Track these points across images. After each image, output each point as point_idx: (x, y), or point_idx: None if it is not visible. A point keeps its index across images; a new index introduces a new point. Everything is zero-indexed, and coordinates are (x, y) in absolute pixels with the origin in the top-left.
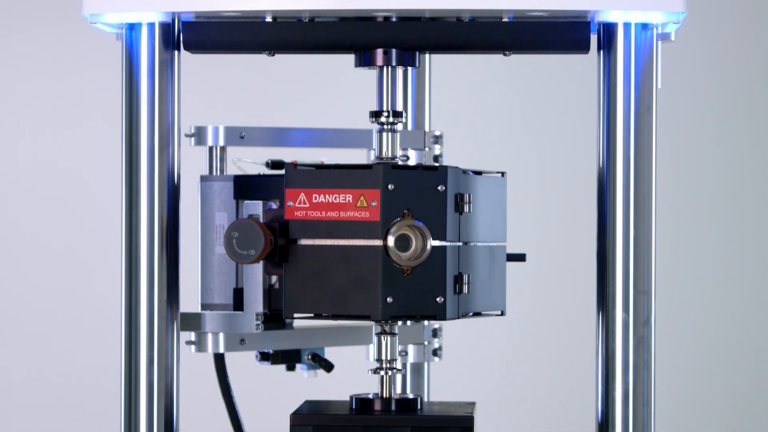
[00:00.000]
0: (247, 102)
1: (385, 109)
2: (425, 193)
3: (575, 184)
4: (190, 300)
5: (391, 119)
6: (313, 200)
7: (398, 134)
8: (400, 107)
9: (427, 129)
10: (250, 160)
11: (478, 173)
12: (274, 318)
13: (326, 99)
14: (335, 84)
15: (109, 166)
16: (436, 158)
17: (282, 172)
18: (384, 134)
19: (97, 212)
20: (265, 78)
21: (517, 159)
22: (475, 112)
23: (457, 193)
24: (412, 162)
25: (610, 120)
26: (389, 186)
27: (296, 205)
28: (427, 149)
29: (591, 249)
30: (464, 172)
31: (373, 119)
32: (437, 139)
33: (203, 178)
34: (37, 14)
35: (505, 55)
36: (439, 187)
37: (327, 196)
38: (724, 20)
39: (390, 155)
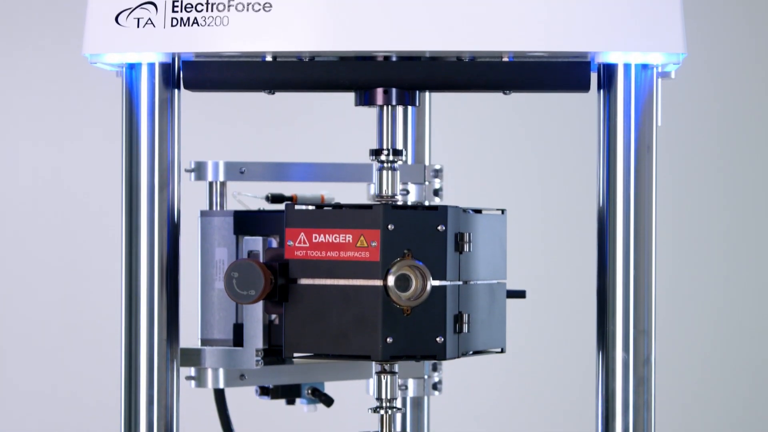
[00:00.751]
0: (247, 136)
1: (385, 147)
2: (425, 232)
3: (576, 220)
4: (189, 334)
5: (391, 157)
6: (313, 240)
7: (398, 172)
8: (400, 145)
9: (427, 163)
10: (250, 194)
11: (478, 211)
12: (274, 353)
13: (326, 132)
14: (336, 117)
15: (109, 184)
16: (436, 192)
17: (282, 206)
18: (384, 172)
19: (96, 229)
20: (265, 112)
21: (517, 194)
22: (475, 145)
23: (457, 232)
24: (412, 196)
25: (610, 159)
26: (389, 226)
27: (296, 244)
28: (427, 183)
29: (591, 286)
30: (464, 210)
31: (373, 157)
32: (437, 173)
33: (203, 213)
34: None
35: (505, 93)
36: (439, 227)
37: (327, 235)
38: (723, 54)
39: (390, 193)
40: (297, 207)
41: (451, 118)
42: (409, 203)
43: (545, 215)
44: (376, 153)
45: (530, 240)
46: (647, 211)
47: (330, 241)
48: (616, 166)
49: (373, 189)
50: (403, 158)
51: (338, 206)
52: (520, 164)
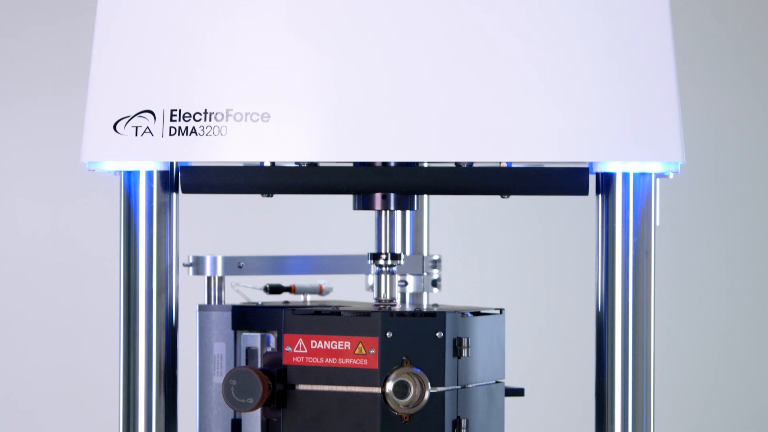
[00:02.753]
0: (245, 228)
1: (383, 251)
2: (423, 339)
3: (575, 317)
4: (187, 428)
5: (389, 261)
6: (312, 346)
7: (396, 276)
8: (398, 248)
9: (425, 254)
10: (249, 286)
11: (477, 313)
12: None
13: (324, 223)
14: (334, 209)
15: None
16: (434, 282)
17: (280, 298)
18: (382, 276)
19: (95, 334)
20: (263, 206)
21: (516, 284)
22: (474, 236)
23: (455, 337)
24: (410, 287)
25: (608, 263)
26: (387, 333)
27: (294, 350)
28: (425, 274)
29: (590, 385)
30: (462, 314)
31: (371, 261)
32: (435, 264)
33: (201, 308)
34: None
35: (503, 197)
36: (437, 334)
37: (325, 342)
38: (720, 150)
39: (388, 298)
40: (295, 312)
41: (449, 208)
42: (407, 307)
43: (545, 312)
44: (374, 257)
45: (529, 337)
46: (645, 315)
47: (328, 347)
48: (614, 270)
49: (371, 280)
50: (401, 262)
51: (336, 312)
52: (519, 253)
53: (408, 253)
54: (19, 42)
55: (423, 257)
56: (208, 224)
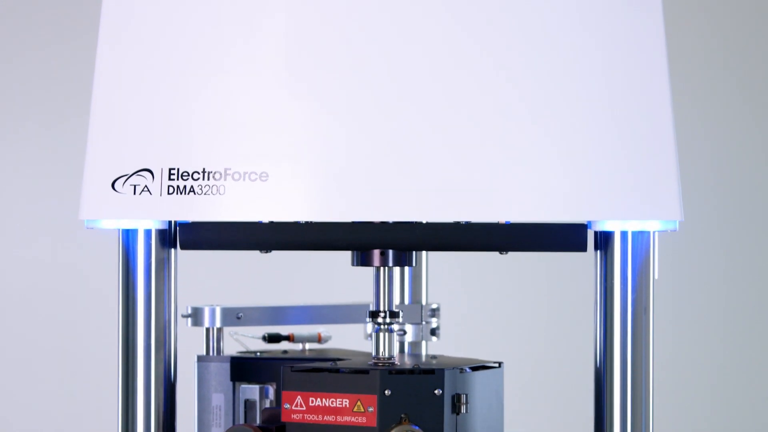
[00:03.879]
0: (244, 276)
1: (381, 309)
2: (422, 396)
3: (574, 373)
4: None
5: (388, 320)
6: (310, 403)
7: (395, 334)
8: (397, 299)
9: (424, 302)
10: (248, 335)
11: (476, 368)
12: None
13: (323, 271)
14: (333, 256)
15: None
16: (433, 331)
17: (279, 345)
18: (381, 334)
19: (92, 389)
20: (262, 256)
21: (515, 337)
22: (472, 284)
23: (454, 394)
24: (408, 337)
25: (607, 318)
26: (386, 392)
27: (293, 407)
28: (424, 323)
29: None
30: (461, 370)
31: (370, 319)
32: (434, 312)
33: (200, 359)
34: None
35: (501, 253)
36: (436, 391)
37: (324, 399)
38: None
39: (387, 356)
40: (294, 369)
41: (448, 257)
42: (406, 359)
43: (544, 365)
44: (372, 315)
45: (528, 391)
46: (644, 371)
47: (327, 405)
48: (613, 326)
49: (370, 328)
50: (400, 320)
51: (335, 370)
52: (518, 302)
53: (407, 302)
54: (19, 95)
55: (422, 306)
56: (206, 274)
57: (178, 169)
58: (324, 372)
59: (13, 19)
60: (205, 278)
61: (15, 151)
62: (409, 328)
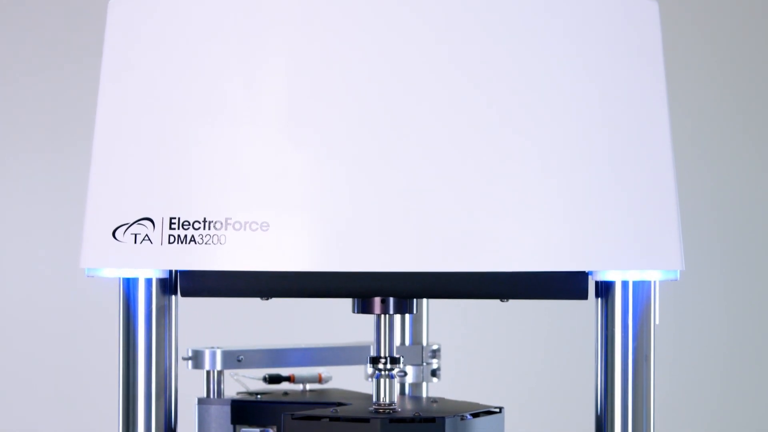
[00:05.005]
0: (244, 319)
1: (382, 355)
2: None
3: (574, 419)
4: None
5: (388, 365)
6: None
7: (396, 379)
8: (397, 341)
9: (424, 343)
10: (249, 376)
11: (477, 414)
12: None
13: (324, 312)
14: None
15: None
16: (434, 372)
17: (279, 386)
18: (382, 380)
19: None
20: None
21: (515, 379)
22: (473, 325)
23: None
24: (409, 378)
25: (608, 365)
26: None
27: None
28: (425, 364)
29: None
30: (462, 418)
31: (371, 365)
32: (435, 353)
33: (200, 401)
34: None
35: (502, 301)
36: None
37: None
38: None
39: (387, 402)
40: (294, 417)
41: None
42: (407, 403)
43: (544, 410)
44: (373, 361)
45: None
46: (645, 420)
47: None
48: (614, 374)
49: (371, 370)
50: (401, 365)
51: (335, 418)
52: (519, 344)
53: (407, 343)
54: (19, 141)
55: (422, 347)
56: (207, 316)
57: (179, 218)
58: (324, 419)
59: (14, 73)
60: (206, 320)
61: (16, 196)
62: (409, 369)
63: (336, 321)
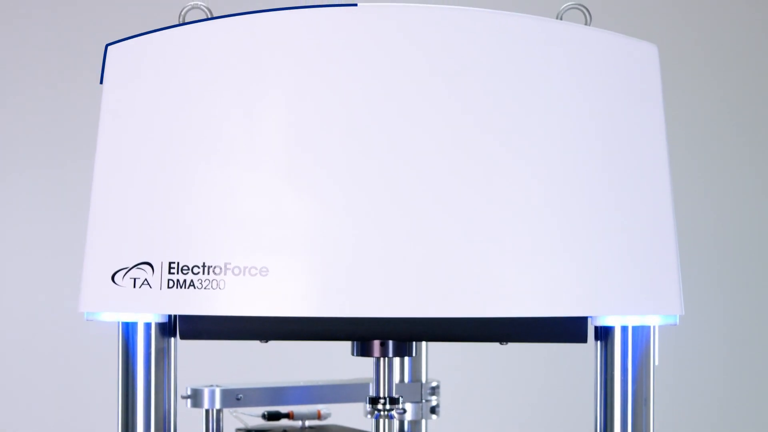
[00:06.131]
0: (244, 356)
1: (381, 395)
2: None
3: None
4: None
5: (387, 406)
6: None
7: (395, 420)
8: (396, 379)
9: (423, 380)
10: (248, 413)
11: None
12: None
13: (323, 350)
14: None
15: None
16: (433, 409)
17: (278, 423)
18: (381, 420)
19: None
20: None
21: (515, 415)
22: (473, 362)
23: None
24: (408, 415)
25: (607, 408)
26: None
27: None
28: (424, 401)
29: None
30: None
31: (370, 406)
32: (434, 390)
33: None
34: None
35: (502, 344)
36: None
37: None
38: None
39: None
40: None
41: None
42: None
43: None
44: (372, 401)
45: None
46: None
47: None
48: (613, 417)
49: (370, 408)
50: (400, 406)
51: None
52: (517, 382)
53: (406, 380)
54: (17, 186)
55: (421, 384)
56: (206, 354)
57: (178, 263)
58: None
59: (14, 122)
60: (205, 358)
61: (15, 239)
62: (409, 406)
63: (335, 358)
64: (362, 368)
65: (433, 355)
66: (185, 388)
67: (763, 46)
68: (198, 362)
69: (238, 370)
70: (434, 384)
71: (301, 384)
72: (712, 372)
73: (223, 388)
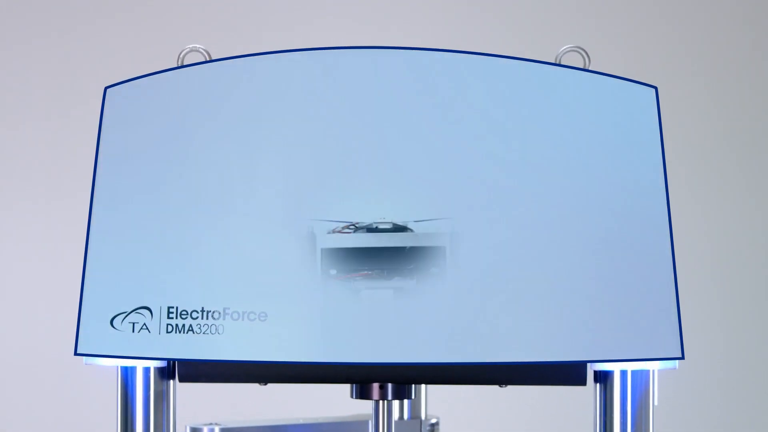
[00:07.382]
0: (244, 394)
1: None
2: None
3: None
4: None
5: None
6: None
7: None
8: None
9: (423, 417)
10: None
11: None
12: None
13: (322, 387)
14: None
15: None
16: None
17: None
18: None
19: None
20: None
21: None
22: (472, 399)
23: None
24: None
25: None
26: None
27: None
28: None
29: None
30: None
31: None
32: (433, 427)
33: None
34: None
35: (501, 387)
36: None
37: None
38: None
39: None
40: None
41: None
42: None
43: None
44: None
45: None
46: None
47: None
48: None
49: None
50: None
51: None
52: (518, 414)
53: (406, 417)
54: (15, 228)
55: (421, 420)
56: (205, 392)
57: (176, 308)
58: None
59: (11, 155)
60: (204, 396)
61: (12, 278)
62: None
63: (335, 394)
64: (363, 405)
65: (433, 391)
66: (185, 427)
67: (763, 76)
68: (198, 400)
69: (238, 408)
70: (434, 421)
71: (301, 421)
72: (713, 410)
73: (222, 426)
